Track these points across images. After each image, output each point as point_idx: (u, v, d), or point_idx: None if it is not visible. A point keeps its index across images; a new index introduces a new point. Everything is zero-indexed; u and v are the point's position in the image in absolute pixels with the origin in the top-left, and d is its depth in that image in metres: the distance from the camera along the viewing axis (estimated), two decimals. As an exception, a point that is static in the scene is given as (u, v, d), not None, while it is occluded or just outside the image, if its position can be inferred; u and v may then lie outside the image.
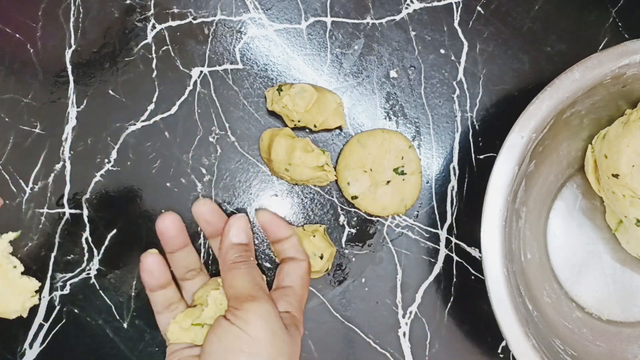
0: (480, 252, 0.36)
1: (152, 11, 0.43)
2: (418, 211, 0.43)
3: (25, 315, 0.40)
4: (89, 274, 0.42)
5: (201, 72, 0.43)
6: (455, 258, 0.43)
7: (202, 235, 0.42)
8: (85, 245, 0.42)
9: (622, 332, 0.42)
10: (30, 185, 0.42)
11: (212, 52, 0.43)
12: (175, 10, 0.43)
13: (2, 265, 0.39)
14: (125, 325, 0.42)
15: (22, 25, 0.43)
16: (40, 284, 0.41)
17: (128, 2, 0.43)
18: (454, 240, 0.43)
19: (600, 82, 0.35)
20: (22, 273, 0.40)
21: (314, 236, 0.40)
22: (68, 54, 0.43)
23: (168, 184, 0.42)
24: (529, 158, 0.37)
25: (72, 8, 0.43)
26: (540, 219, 0.43)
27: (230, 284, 0.35)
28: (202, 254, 0.42)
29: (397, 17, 0.43)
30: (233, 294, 0.35)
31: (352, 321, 0.43)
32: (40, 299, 0.41)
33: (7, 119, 0.42)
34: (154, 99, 0.42)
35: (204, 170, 0.42)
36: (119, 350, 0.42)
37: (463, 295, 0.43)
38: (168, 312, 0.38)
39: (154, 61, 0.43)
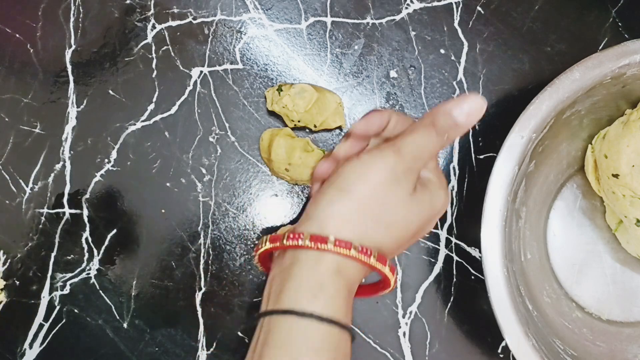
0: (480, 252, 0.36)
1: (152, 11, 0.43)
2: (418, 211, 0.43)
3: None
4: (89, 274, 0.42)
5: (201, 72, 0.43)
6: (455, 258, 0.43)
7: (202, 236, 0.42)
8: (85, 245, 0.42)
9: (622, 332, 0.42)
10: (30, 185, 0.42)
11: (212, 52, 0.43)
12: (175, 10, 0.43)
13: None
14: (125, 325, 0.42)
15: (22, 25, 0.43)
16: (5, 282, 0.42)
17: (128, 2, 0.43)
18: (454, 240, 0.43)
19: (600, 82, 0.35)
20: None
21: None
22: (68, 54, 0.43)
23: (168, 184, 0.42)
24: (529, 158, 0.37)
25: (72, 8, 0.43)
26: (540, 218, 0.43)
27: (412, 129, 0.30)
28: (202, 254, 0.42)
29: (397, 17, 0.43)
30: (402, 137, 0.30)
31: (352, 321, 0.43)
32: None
33: (7, 119, 0.42)
34: (154, 99, 0.42)
35: (204, 170, 0.42)
36: (119, 350, 0.42)
37: (463, 295, 0.43)
38: None
39: (154, 61, 0.43)
